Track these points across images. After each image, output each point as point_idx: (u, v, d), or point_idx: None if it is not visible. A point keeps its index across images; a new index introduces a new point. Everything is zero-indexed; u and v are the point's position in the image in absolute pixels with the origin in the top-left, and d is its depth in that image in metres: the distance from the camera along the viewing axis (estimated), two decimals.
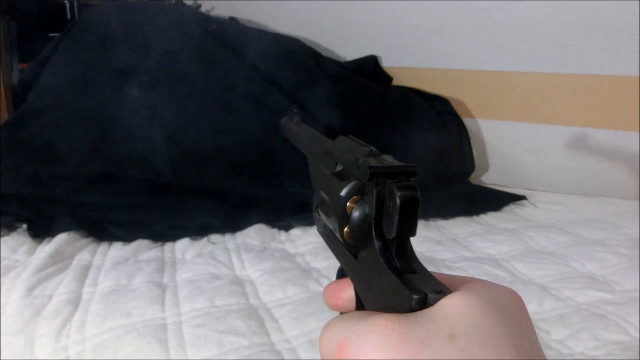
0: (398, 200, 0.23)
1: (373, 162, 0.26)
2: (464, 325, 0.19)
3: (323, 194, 0.30)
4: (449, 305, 0.20)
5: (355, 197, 0.27)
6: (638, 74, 1.34)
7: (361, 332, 0.20)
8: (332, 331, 0.22)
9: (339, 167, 0.31)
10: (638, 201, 1.33)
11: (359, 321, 0.21)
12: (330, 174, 0.30)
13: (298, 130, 0.42)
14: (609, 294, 0.86)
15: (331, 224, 0.29)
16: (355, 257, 0.28)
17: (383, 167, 0.25)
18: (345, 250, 0.28)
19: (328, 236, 0.31)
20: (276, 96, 1.40)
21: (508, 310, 0.21)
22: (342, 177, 0.29)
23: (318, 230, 0.33)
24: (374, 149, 0.28)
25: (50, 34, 1.65)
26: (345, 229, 0.27)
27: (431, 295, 0.21)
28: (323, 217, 0.30)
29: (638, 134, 1.37)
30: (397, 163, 0.26)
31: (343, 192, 0.27)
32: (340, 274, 0.32)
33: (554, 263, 0.98)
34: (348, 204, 0.27)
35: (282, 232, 1.12)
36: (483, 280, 0.24)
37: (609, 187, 1.43)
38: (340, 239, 0.28)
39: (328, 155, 0.32)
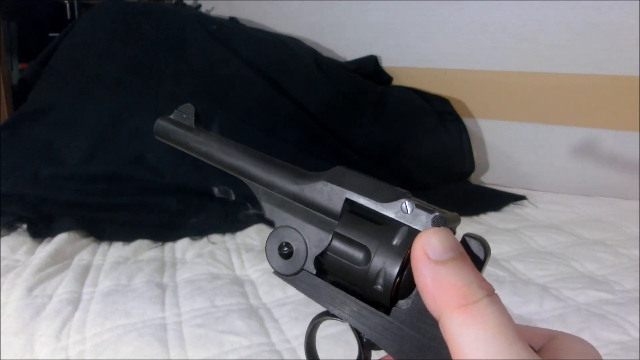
0: (488, 252, 0.23)
1: (427, 205, 0.25)
2: None
3: (358, 239, 0.26)
4: None
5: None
6: (638, 74, 1.34)
7: None
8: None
9: (342, 207, 0.27)
10: (638, 201, 1.33)
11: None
12: (374, 224, 0.26)
13: (211, 140, 0.33)
14: (609, 294, 0.86)
15: (365, 275, 0.25)
16: (388, 312, 0.25)
17: (446, 215, 0.24)
18: (372, 307, 0.25)
19: (328, 292, 0.27)
20: (276, 96, 1.40)
21: None
22: (381, 221, 0.26)
23: (299, 288, 0.28)
24: (405, 190, 0.26)
25: (50, 34, 1.65)
26: (397, 280, 0.24)
27: None
28: (338, 267, 0.26)
29: (638, 134, 1.37)
30: (439, 209, 0.25)
31: (399, 242, 0.24)
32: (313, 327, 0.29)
33: (554, 263, 0.98)
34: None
35: None
36: (569, 338, 0.25)
37: (609, 187, 1.43)
38: (387, 294, 0.24)
39: (325, 193, 0.28)
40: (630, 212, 1.26)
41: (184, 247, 1.01)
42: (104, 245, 1.00)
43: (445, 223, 0.24)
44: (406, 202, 0.25)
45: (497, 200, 1.36)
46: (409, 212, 0.25)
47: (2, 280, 0.83)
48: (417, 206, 0.25)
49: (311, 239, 0.28)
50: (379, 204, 0.26)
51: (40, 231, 1.00)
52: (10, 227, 1.01)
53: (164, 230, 1.07)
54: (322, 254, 0.27)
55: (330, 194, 0.27)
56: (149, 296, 0.80)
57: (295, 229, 0.28)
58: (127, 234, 1.03)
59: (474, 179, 1.62)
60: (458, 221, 0.25)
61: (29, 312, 0.74)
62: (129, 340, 0.69)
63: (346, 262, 0.26)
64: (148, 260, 0.94)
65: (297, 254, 0.28)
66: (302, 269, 0.28)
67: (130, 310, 0.76)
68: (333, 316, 0.27)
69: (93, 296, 0.80)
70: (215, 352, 0.67)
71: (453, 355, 0.21)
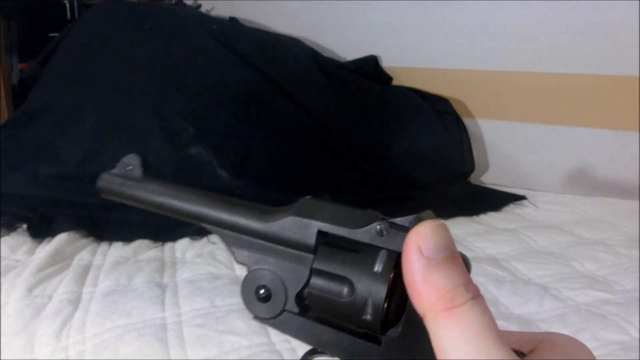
0: (469, 268, 0.23)
1: (401, 223, 0.24)
2: None
3: (338, 272, 0.25)
4: None
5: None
6: (638, 74, 1.34)
7: None
8: None
9: (315, 240, 0.26)
10: (638, 201, 1.33)
11: None
12: (351, 253, 0.25)
13: (165, 188, 0.31)
14: (609, 294, 0.86)
15: (351, 307, 0.24)
16: (379, 342, 0.24)
17: (421, 215, 0.24)
18: (362, 340, 0.25)
19: (317, 329, 0.26)
20: (275, 96, 1.40)
21: None
22: (358, 249, 0.25)
23: (283, 330, 0.27)
24: (377, 212, 0.25)
25: (50, 34, 1.65)
26: (385, 305, 0.24)
27: None
28: (321, 302, 0.25)
29: (638, 134, 1.37)
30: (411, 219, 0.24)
31: (380, 267, 0.24)
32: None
33: (554, 263, 0.98)
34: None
35: None
36: (559, 338, 0.25)
37: (609, 187, 1.43)
38: (377, 322, 0.24)
39: (295, 228, 0.26)
40: (630, 212, 1.26)
41: (184, 247, 1.01)
42: (104, 245, 1.00)
43: None
44: (380, 224, 0.24)
45: (497, 200, 1.36)
46: (384, 235, 0.24)
47: (2, 280, 0.83)
48: (392, 226, 0.24)
49: (288, 278, 0.26)
50: (353, 230, 0.25)
51: (40, 231, 1.00)
52: (10, 227, 1.01)
53: (164, 230, 1.07)
54: (302, 291, 0.26)
55: (301, 228, 0.26)
56: (149, 296, 0.80)
57: (269, 270, 0.27)
58: (127, 234, 1.03)
59: (474, 179, 1.62)
60: (433, 218, 0.25)
61: (29, 312, 0.74)
62: (129, 340, 0.69)
63: (329, 296, 0.25)
64: (148, 260, 0.94)
65: (276, 295, 0.26)
66: (283, 310, 0.26)
67: (130, 310, 0.76)
68: (322, 353, 0.26)
69: (93, 296, 0.80)
70: (215, 352, 0.67)
71: (437, 354, 0.22)
